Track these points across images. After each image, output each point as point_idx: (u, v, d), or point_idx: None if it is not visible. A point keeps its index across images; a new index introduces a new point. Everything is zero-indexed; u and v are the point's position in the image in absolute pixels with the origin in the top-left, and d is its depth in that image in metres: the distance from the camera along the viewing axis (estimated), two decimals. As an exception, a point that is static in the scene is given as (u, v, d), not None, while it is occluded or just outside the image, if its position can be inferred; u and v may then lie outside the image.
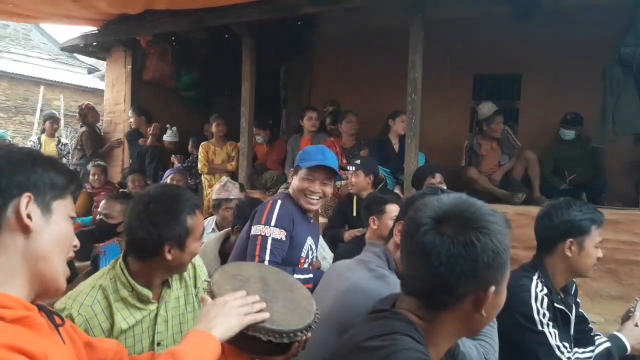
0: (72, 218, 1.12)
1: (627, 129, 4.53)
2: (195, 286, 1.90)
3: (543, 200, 4.76)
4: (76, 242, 1.14)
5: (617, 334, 2.21)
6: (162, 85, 7.27)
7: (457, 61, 6.11)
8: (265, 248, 2.38)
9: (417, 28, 4.90)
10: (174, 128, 7.03)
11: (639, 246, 4.04)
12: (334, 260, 3.46)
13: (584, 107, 5.20)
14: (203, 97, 7.73)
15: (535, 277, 2.16)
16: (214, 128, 6.29)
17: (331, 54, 6.93)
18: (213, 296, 1.38)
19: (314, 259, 2.71)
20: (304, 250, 2.55)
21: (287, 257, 2.44)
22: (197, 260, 1.94)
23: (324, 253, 3.72)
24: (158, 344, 1.76)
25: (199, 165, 6.15)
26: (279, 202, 2.50)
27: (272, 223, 2.42)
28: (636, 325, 2.24)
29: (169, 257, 1.67)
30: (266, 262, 2.34)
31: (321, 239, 3.90)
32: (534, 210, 4.52)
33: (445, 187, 3.89)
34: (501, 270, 1.10)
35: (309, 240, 2.59)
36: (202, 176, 6.18)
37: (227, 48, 6.76)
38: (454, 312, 1.12)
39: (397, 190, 5.00)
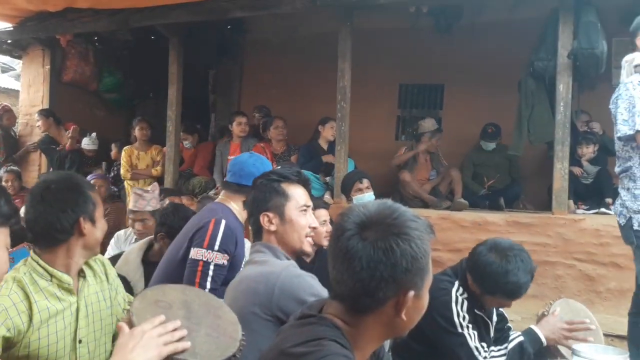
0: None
1: (541, 137, 4.84)
2: (108, 281, 1.91)
3: (464, 204, 4.98)
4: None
5: (532, 327, 2.33)
6: (84, 87, 6.96)
7: (384, 70, 6.28)
8: (207, 275, 2.29)
9: (345, 37, 4.99)
10: (93, 134, 6.69)
11: (552, 248, 4.31)
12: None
13: (502, 117, 5.50)
14: (127, 100, 7.45)
15: (457, 282, 2.25)
16: (137, 132, 6.07)
17: (262, 59, 6.91)
18: (132, 325, 1.32)
19: None
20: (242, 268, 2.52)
21: (226, 278, 2.35)
22: (104, 260, 1.96)
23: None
24: (80, 342, 1.75)
25: (122, 171, 5.91)
26: (224, 222, 2.37)
27: (216, 247, 2.32)
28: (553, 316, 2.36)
29: (85, 231, 1.71)
30: (206, 291, 2.24)
31: (249, 245, 3.86)
32: (457, 214, 4.75)
33: (372, 193, 4.01)
34: (420, 275, 1.13)
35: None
36: (125, 182, 5.94)
37: (153, 50, 6.57)
38: (377, 316, 1.15)
39: (327, 196, 5.05)
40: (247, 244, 3.74)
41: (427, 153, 5.61)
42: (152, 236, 3.08)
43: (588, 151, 5.09)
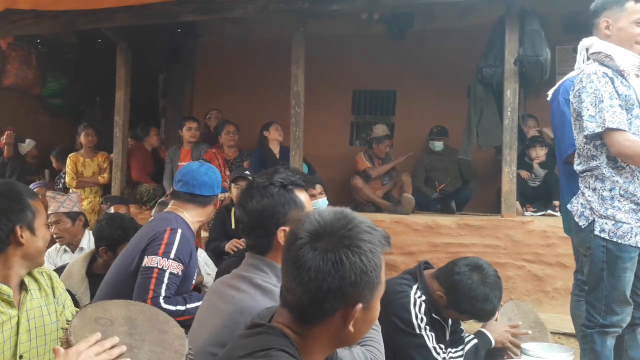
0: None
1: (489, 142, 4.96)
2: (54, 296, 1.84)
3: (410, 199, 5.06)
4: None
5: (482, 330, 2.40)
6: (26, 92, 6.69)
7: (338, 76, 6.31)
8: (162, 282, 2.22)
9: (299, 42, 4.98)
10: (29, 140, 6.40)
11: (502, 249, 4.41)
12: (218, 274, 3.35)
13: (452, 122, 5.62)
14: (73, 105, 7.19)
15: (415, 286, 2.27)
16: (82, 138, 5.85)
17: (214, 63, 6.81)
18: (69, 345, 1.25)
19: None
20: (194, 280, 2.47)
21: (178, 289, 2.30)
22: (52, 273, 1.88)
23: (208, 269, 3.60)
24: (20, 357, 1.68)
25: (67, 179, 5.67)
26: (180, 232, 2.31)
27: (171, 256, 2.26)
28: (496, 319, 2.45)
29: (22, 241, 1.65)
30: (161, 298, 2.19)
31: (204, 254, 3.78)
32: (410, 218, 4.80)
33: (325, 198, 4.01)
34: (370, 288, 1.11)
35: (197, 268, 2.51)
36: (71, 190, 5.71)
37: (100, 53, 6.36)
38: (325, 327, 1.13)
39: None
40: (202, 253, 3.67)
41: (379, 159, 5.66)
42: (94, 248, 2.98)
43: (540, 154, 5.25)
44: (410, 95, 6.35)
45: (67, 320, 1.77)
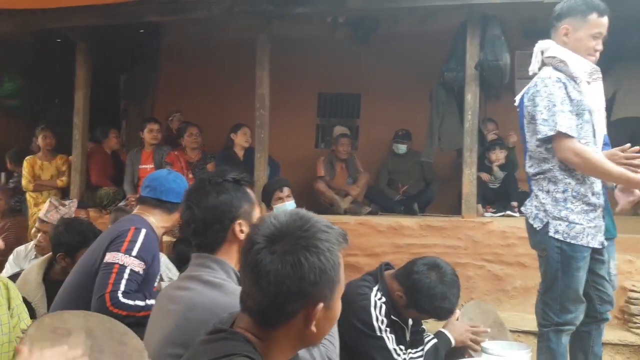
0: None
1: (450, 144, 5.07)
2: (9, 307, 1.75)
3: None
4: None
5: (442, 330, 2.44)
6: (-21, 93, 6.43)
7: (303, 79, 6.31)
8: (122, 278, 2.19)
9: (264, 44, 4.97)
10: None
11: (462, 250, 4.50)
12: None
13: (415, 125, 5.71)
14: (29, 106, 6.96)
15: (375, 288, 2.29)
16: (40, 141, 5.67)
17: (178, 65, 6.70)
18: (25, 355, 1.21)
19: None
20: (156, 283, 2.45)
21: (140, 289, 2.27)
22: (9, 283, 1.81)
23: (169, 273, 3.55)
24: None
25: (23, 182, 5.49)
26: (144, 231, 2.30)
27: (134, 253, 2.24)
28: (457, 319, 2.49)
29: None
30: (120, 292, 2.15)
31: (165, 258, 3.72)
32: (374, 219, 4.85)
33: (293, 201, 4.02)
34: (330, 287, 1.11)
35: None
36: (27, 194, 5.53)
37: (59, 53, 6.18)
38: (287, 330, 1.13)
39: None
40: (163, 257, 3.61)
41: (342, 161, 5.68)
42: (51, 254, 2.89)
43: (501, 156, 5.39)
44: (374, 99, 6.41)
45: (22, 330, 1.72)
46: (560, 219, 2.43)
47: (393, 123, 5.97)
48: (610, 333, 3.55)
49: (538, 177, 2.52)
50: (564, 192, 2.43)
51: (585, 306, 2.49)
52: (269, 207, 4.09)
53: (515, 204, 5.10)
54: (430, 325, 3.75)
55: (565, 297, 2.44)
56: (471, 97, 4.66)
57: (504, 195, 5.30)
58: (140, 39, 6.40)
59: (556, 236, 2.42)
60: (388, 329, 2.21)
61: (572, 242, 2.40)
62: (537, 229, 2.49)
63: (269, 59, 4.96)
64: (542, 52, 2.56)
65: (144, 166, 5.44)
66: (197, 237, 1.68)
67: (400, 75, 6.03)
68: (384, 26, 5.82)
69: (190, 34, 6.24)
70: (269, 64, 4.96)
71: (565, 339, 2.49)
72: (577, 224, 2.39)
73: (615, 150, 2.54)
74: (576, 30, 2.45)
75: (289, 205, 3.95)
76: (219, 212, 1.63)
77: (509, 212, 5.07)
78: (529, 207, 2.56)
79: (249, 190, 1.73)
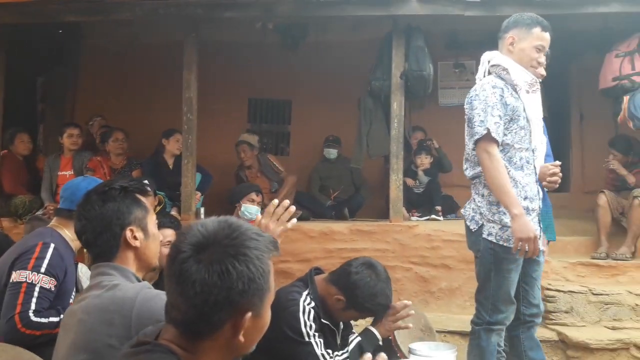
0: None
1: (378, 151, 5.19)
2: None
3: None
4: None
5: (368, 327, 2.49)
6: None
7: (234, 83, 6.25)
8: (32, 296, 2.09)
9: (191, 47, 4.87)
10: None
11: (391, 253, 4.62)
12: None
13: (345, 131, 5.81)
14: None
15: (305, 293, 2.29)
16: (-51, 146, 5.25)
17: (100, 67, 6.42)
18: None
19: None
20: (72, 297, 2.31)
21: (53, 306, 2.17)
22: None
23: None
24: None
25: None
26: (52, 246, 2.20)
27: (42, 270, 2.14)
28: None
29: None
30: (31, 312, 2.06)
31: (86, 268, 3.55)
32: (305, 225, 4.87)
33: (260, 209, 4.16)
34: (258, 295, 1.09)
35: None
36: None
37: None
38: (214, 340, 1.10)
39: (174, 213, 4.84)
40: (83, 268, 3.44)
41: (246, 167, 5.66)
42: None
43: (426, 161, 5.58)
44: (305, 105, 6.46)
45: None
46: (494, 221, 2.51)
47: (323, 129, 6.04)
48: (527, 329, 3.71)
49: (475, 180, 2.61)
50: None
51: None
52: (237, 203, 4.25)
53: (438, 208, 5.31)
54: (360, 330, 3.81)
55: (496, 298, 2.53)
56: (397, 105, 4.80)
57: (427, 199, 5.50)
58: (60, 40, 6.09)
59: (489, 238, 2.51)
60: (317, 334, 2.22)
61: (505, 244, 2.48)
62: (473, 230, 2.59)
63: (196, 62, 4.87)
64: (489, 62, 2.65)
65: (63, 172, 5.17)
66: (91, 248, 1.68)
67: (330, 82, 6.12)
68: (313, 34, 5.89)
69: (115, 35, 6.01)
70: (197, 67, 4.87)
71: (495, 338, 2.58)
72: (509, 227, 2.44)
73: (548, 164, 2.71)
74: (521, 41, 2.57)
75: (256, 210, 4.10)
76: (107, 221, 1.64)
77: (433, 216, 5.27)
78: (467, 209, 2.66)
79: (141, 197, 1.73)
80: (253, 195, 4.29)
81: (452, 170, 5.60)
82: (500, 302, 2.53)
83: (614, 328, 4.04)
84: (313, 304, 2.27)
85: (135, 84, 6.24)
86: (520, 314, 2.65)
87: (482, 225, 2.54)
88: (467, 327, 3.95)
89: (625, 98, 4.57)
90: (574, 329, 4.02)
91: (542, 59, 2.59)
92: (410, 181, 5.54)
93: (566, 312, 4.13)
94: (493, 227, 2.51)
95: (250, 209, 4.16)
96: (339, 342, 2.39)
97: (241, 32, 5.75)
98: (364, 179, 5.90)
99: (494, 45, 2.71)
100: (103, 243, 1.64)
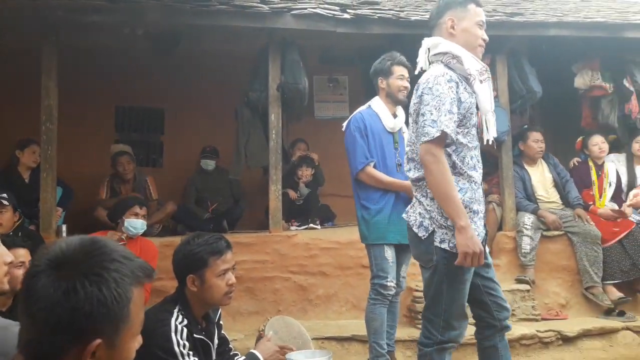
0: None
1: (257, 162, 5.19)
2: None
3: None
4: None
5: (253, 351, 2.46)
6: None
7: (99, 91, 5.88)
8: None
9: (50, 53, 4.49)
10: None
11: (270, 264, 4.62)
12: None
13: (223, 142, 5.73)
14: None
15: (176, 310, 2.21)
16: None
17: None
18: None
19: None
20: None
21: None
22: None
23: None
24: None
25: None
26: None
27: None
28: (269, 340, 2.53)
29: None
30: None
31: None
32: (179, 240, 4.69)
33: (145, 222, 3.93)
34: (110, 322, 1.01)
35: None
36: None
37: None
38: None
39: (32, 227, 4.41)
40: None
41: (123, 181, 5.36)
42: None
43: (307, 173, 5.70)
44: (179, 115, 6.27)
45: None
46: (447, 227, 2.22)
47: (200, 140, 5.90)
48: (400, 331, 3.88)
49: (421, 182, 2.31)
50: None
51: (482, 316, 2.39)
52: (120, 218, 3.95)
53: (316, 218, 5.44)
54: (239, 344, 3.76)
55: (449, 313, 2.27)
56: (274, 117, 4.84)
57: (306, 209, 5.60)
58: None
59: (442, 246, 2.22)
60: (191, 353, 2.15)
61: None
62: (423, 238, 2.27)
63: (56, 68, 4.50)
64: (429, 50, 2.39)
65: None
66: None
67: (206, 92, 6.01)
68: (186, 42, 5.73)
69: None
70: (56, 73, 4.50)
71: (448, 358, 2.34)
72: None
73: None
74: (461, 21, 2.34)
75: (141, 224, 3.88)
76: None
77: (311, 225, 5.37)
78: (412, 214, 2.34)
79: None
80: (137, 209, 3.94)
81: (324, 185, 5.79)
82: (453, 318, 2.27)
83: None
84: (186, 321, 2.20)
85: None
86: (494, 320, 2.40)
87: (433, 231, 2.24)
88: (344, 332, 4.14)
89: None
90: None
91: (485, 36, 2.39)
92: (292, 194, 5.61)
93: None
94: (446, 234, 2.22)
95: (134, 223, 3.84)
96: (214, 357, 2.34)
97: (108, 38, 5.42)
98: (242, 191, 5.85)
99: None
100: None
